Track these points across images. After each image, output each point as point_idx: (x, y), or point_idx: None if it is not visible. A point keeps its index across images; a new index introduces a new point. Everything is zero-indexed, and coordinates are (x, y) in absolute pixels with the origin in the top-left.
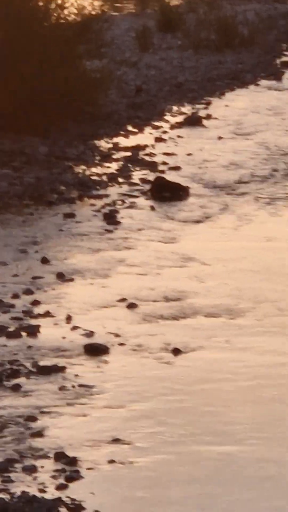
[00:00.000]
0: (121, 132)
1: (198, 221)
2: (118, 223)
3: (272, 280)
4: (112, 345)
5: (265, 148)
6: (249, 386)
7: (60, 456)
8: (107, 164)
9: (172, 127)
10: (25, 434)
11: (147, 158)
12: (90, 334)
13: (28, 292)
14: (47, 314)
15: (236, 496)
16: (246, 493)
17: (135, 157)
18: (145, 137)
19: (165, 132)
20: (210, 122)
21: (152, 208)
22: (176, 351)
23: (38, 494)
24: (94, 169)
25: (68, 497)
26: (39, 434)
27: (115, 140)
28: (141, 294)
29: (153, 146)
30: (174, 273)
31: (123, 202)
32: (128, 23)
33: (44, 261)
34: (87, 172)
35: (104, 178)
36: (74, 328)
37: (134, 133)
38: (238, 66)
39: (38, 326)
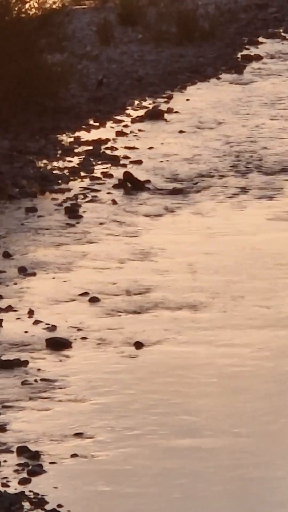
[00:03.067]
0: (83, 126)
1: (159, 215)
2: (80, 217)
3: (233, 273)
4: (75, 339)
5: (225, 142)
6: (211, 379)
7: (23, 450)
8: (68, 158)
9: (134, 121)
10: None
11: (108, 152)
12: (52, 328)
13: None
14: (9, 308)
15: (199, 489)
16: (208, 485)
17: (97, 151)
18: (107, 131)
19: (126, 126)
20: (171, 116)
21: (114, 202)
22: (138, 345)
23: (1, 489)
24: (55, 163)
25: (31, 491)
26: (1, 428)
27: (77, 134)
28: (103, 288)
29: (114, 140)
30: (136, 267)
31: (85, 196)
32: (88, 16)
33: (6, 255)
34: (49, 166)
35: (66, 172)
36: (36, 322)
37: (95, 127)
38: (199, 60)
39: (0, 321)
